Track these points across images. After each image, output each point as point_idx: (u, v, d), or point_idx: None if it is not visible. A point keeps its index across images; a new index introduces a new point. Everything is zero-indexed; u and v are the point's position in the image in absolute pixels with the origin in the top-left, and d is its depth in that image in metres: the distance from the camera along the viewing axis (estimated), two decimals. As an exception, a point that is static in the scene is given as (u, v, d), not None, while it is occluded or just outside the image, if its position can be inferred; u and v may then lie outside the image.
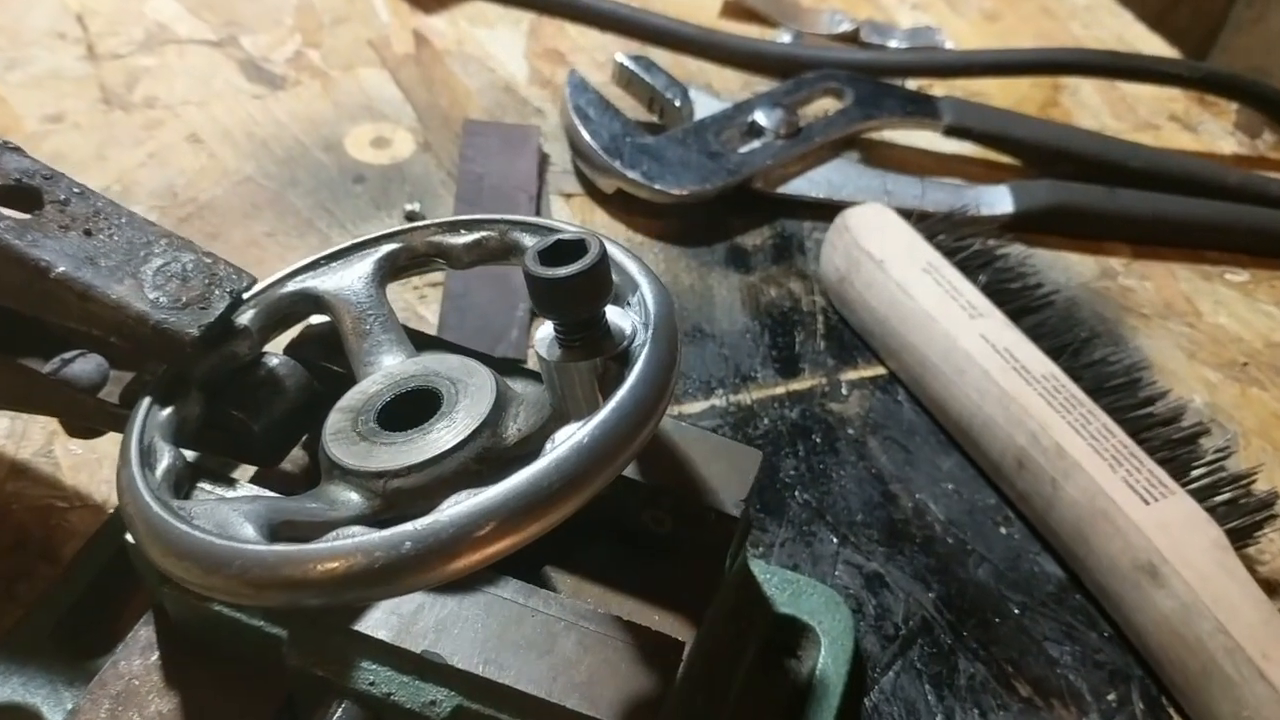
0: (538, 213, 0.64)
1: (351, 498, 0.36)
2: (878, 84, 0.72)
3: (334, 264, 0.43)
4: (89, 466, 0.49)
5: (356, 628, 0.36)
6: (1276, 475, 0.56)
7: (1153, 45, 0.89)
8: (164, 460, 0.36)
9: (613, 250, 0.37)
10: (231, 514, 0.33)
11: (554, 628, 0.36)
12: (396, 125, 0.69)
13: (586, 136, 0.65)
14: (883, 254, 0.58)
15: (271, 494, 0.37)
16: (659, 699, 0.35)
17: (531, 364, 0.55)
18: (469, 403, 0.37)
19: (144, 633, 0.39)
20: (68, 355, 0.43)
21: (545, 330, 0.36)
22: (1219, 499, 0.50)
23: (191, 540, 0.31)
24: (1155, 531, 0.47)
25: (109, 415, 0.42)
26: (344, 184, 0.65)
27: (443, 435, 0.36)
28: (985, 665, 0.48)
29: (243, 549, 0.31)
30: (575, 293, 0.33)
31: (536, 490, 0.31)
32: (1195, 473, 0.51)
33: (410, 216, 0.63)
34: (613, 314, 0.36)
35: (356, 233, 0.62)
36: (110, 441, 0.49)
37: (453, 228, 0.43)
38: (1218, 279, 0.68)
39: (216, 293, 0.38)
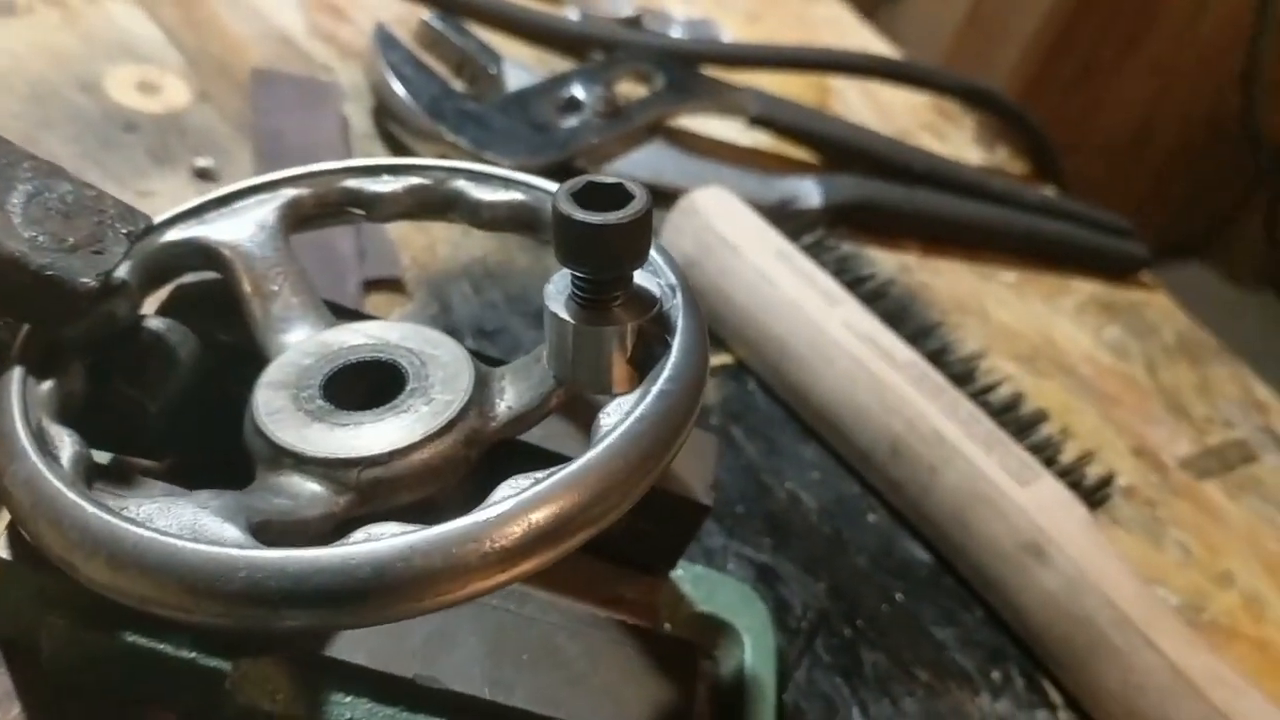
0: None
1: (313, 490, 0.29)
2: (687, 70, 0.70)
3: (223, 210, 0.35)
4: None
5: (329, 653, 0.29)
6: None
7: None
8: (67, 448, 0.27)
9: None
10: (200, 514, 0.25)
11: (556, 637, 0.31)
12: (163, 69, 0.59)
13: (405, 96, 0.58)
14: (736, 239, 0.56)
15: (189, 491, 0.29)
16: (683, 709, 0.31)
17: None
18: (444, 377, 0.31)
19: (-5, 680, 0.30)
20: None
21: (560, 286, 0.30)
22: (1066, 481, 0.52)
23: (171, 550, 0.24)
24: (1037, 512, 0.48)
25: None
26: (112, 132, 0.54)
27: (421, 415, 0.30)
28: (884, 653, 0.47)
29: (249, 557, 0.24)
30: (623, 244, 0.28)
31: (617, 467, 0.26)
32: (1047, 455, 0.53)
33: (202, 174, 0.54)
34: (638, 274, 0.31)
35: (137, 188, 0.52)
36: None
37: (373, 172, 0.36)
38: (994, 279, 0.72)
39: (110, 234, 0.30)
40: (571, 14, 0.77)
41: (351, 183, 0.36)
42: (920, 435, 0.51)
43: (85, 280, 0.29)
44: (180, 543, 0.24)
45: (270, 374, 0.31)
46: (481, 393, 0.31)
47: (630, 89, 0.69)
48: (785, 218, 0.62)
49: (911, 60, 0.90)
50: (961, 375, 0.56)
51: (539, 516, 0.25)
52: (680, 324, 0.30)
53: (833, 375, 0.53)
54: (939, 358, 0.56)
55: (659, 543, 0.37)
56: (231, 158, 0.55)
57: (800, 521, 0.51)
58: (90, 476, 0.27)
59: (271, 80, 0.59)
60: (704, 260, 0.57)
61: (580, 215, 0.28)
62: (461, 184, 0.36)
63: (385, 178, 0.36)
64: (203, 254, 0.34)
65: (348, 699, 0.29)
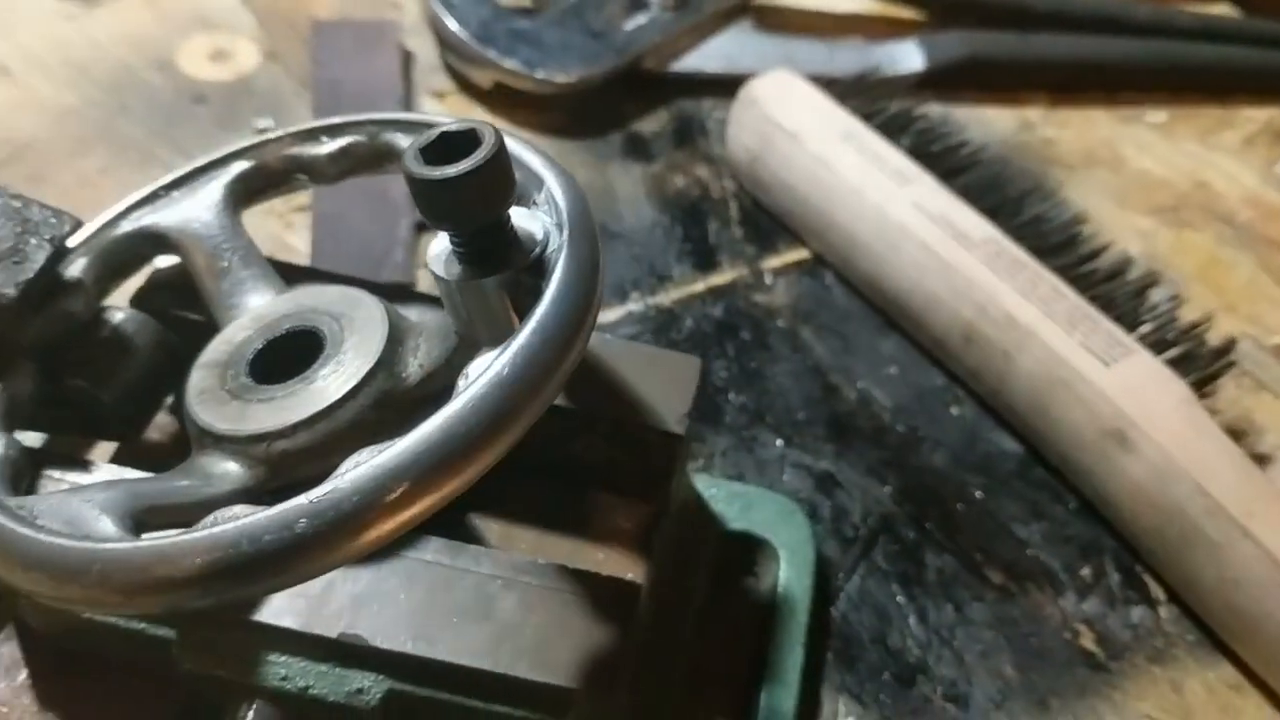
0: (409, 117, 0.57)
1: (229, 468, 0.30)
2: (766, -58, 0.66)
3: (175, 194, 0.36)
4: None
5: (257, 618, 0.30)
6: (1224, 320, 0.53)
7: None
8: (-5, 452, 0.29)
9: (509, 142, 0.31)
10: (83, 507, 0.27)
11: (489, 588, 0.31)
12: (235, 34, 0.61)
13: (453, 25, 0.58)
14: (796, 126, 0.53)
15: (133, 475, 0.31)
16: (618, 651, 0.31)
17: (424, 286, 0.50)
18: (357, 340, 0.31)
19: (4, 650, 0.33)
20: None
21: (440, 245, 0.30)
22: (1175, 352, 0.47)
23: (36, 545, 0.25)
24: (1120, 395, 0.44)
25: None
26: (182, 105, 0.57)
27: (330, 382, 0.31)
28: (953, 556, 0.45)
29: (100, 549, 0.25)
30: (472, 194, 0.27)
31: (454, 438, 0.25)
32: (1147, 327, 0.48)
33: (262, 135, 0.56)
34: (518, 217, 0.30)
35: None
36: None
37: (311, 136, 0.37)
38: (1137, 122, 0.65)
39: (33, 242, 0.32)
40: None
41: (292, 150, 0.36)
42: (992, 319, 0.47)
43: (5, 291, 0.31)
44: (48, 539, 0.25)
45: (206, 353, 0.33)
46: (394, 353, 0.31)
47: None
48: (872, 87, 0.58)
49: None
50: (1059, 244, 0.51)
51: (374, 492, 0.25)
52: (558, 268, 0.28)
53: (900, 262, 0.50)
54: (1034, 227, 0.51)
55: (640, 472, 0.36)
56: (295, 114, 0.57)
57: (869, 423, 0.48)
58: (21, 475, 0.30)
59: (331, 30, 0.61)
60: (766, 153, 0.54)
61: (422, 171, 0.27)
62: (393, 136, 0.35)
63: (323, 140, 0.36)
64: (156, 240, 0.35)
65: (282, 658, 0.30)
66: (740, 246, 0.55)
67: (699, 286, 0.53)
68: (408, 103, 0.58)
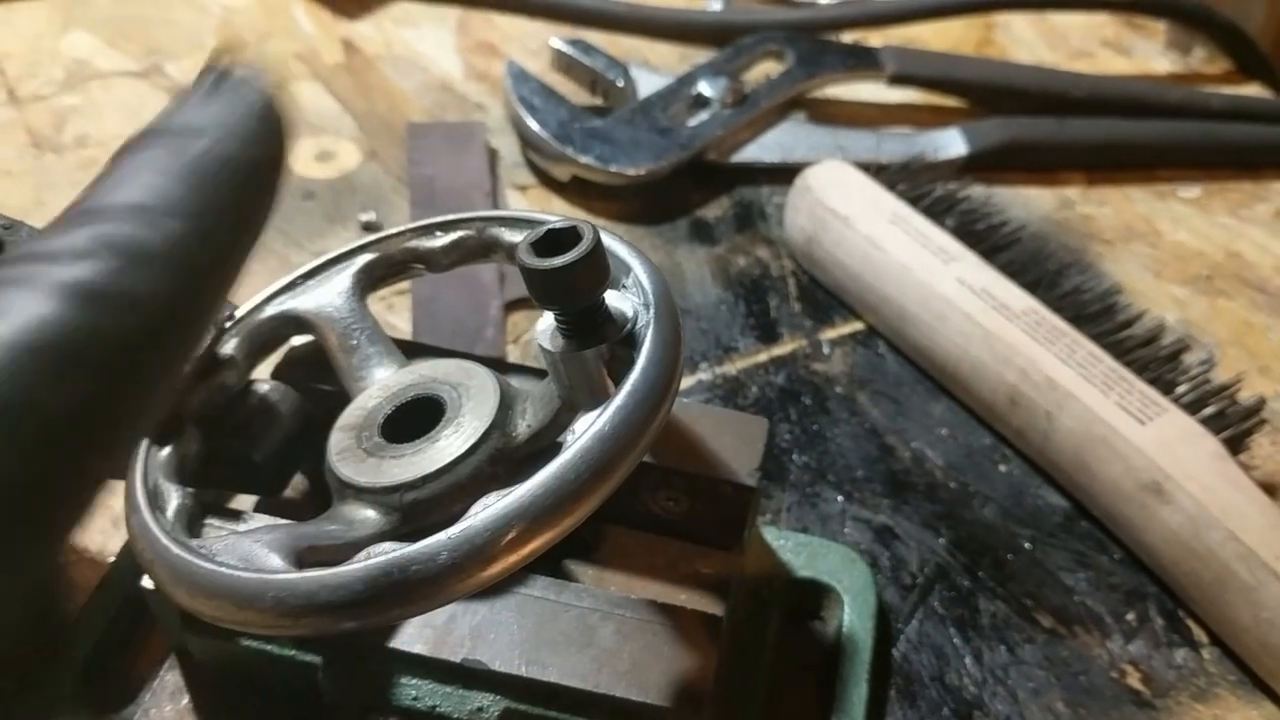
0: (495, 208, 0.63)
1: (368, 515, 0.35)
2: (817, 41, 0.72)
3: (310, 282, 0.42)
4: (77, 519, 0.48)
5: (392, 645, 0.35)
6: (1257, 381, 0.57)
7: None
8: (173, 501, 0.35)
9: (603, 236, 0.36)
10: (254, 546, 0.32)
11: (590, 620, 0.36)
12: (338, 136, 0.68)
13: (535, 126, 0.64)
14: (848, 210, 0.58)
15: (285, 522, 0.36)
16: (703, 676, 0.35)
17: (514, 359, 0.55)
18: (473, 405, 0.36)
19: (170, 678, 0.38)
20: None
21: (545, 322, 0.35)
22: (1208, 411, 0.51)
23: (220, 578, 0.30)
24: (1155, 450, 0.48)
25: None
26: (294, 201, 0.63)
27: (452, 441, 0.36)
28: (1005, 602, 0.48)
29: (275, 580, 0.30)
30: (576, 280, 0.33)
31: (565, 484, 0.30)
32: (1182, 389, 0.52)
33: (367, 227, 0.62)
34: (611, 298, 0.35)
35: (313, 249, 0.61)
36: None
37: (428, 231, 0.42)
38: (1171, 197, 0.69)
39: (198, 325, 0.37)
40: (714, 3, 0.80)
41: (411, 243, 0.42)
42: (1034, 383, 0.51)
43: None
44: (229, 572, 0.30)
45: (343, 417, 0.38)
46: (505, 416, 0.36)
47: (770, 68, 0.72)
48: (918, 173, 0.63)
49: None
50: (1096, 313, 0.55)
51: (500, 529, 0.29)
52: (646, 340, 0.33)
53: (947, 332, 0.54)
54: (1072, 298, 0.56)
55: (717, 522, 0.41)
56: (394, 207, 0.63)
57: (923, 480, 0.53)
58: (193, 522, 0.35)
59: (424, 131, 0.67)
60: (820, 234, 0.59)
61: (534, 263, 0.32)
62: (497, 230, 0.41)
63: (437, 234, 0.42)
64: (296, 323, 0.41)
65: (413, 681, 0.35)
66: (799, 320, 0.60)
67: (762, 357, 0.58)
68: (495, 196, 0.64)
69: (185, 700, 0.38)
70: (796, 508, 0.51)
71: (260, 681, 0.37)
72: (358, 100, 0.71)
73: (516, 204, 0.64)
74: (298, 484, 0.42)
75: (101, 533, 0.47)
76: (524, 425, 0.36)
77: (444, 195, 0.63)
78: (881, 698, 0.45)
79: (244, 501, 0.42)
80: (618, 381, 0.33)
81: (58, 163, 0.65)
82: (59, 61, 0.72)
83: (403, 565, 0.29)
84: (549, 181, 0.66)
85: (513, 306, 0.58)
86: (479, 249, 0.41)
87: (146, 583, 0.36)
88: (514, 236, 0.41)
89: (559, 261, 0.32)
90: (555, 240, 0.33)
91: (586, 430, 0.31)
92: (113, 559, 0.45)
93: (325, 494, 0.37)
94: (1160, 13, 0.80)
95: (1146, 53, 0.81)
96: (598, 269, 0.33)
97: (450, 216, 0.42)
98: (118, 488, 0.43)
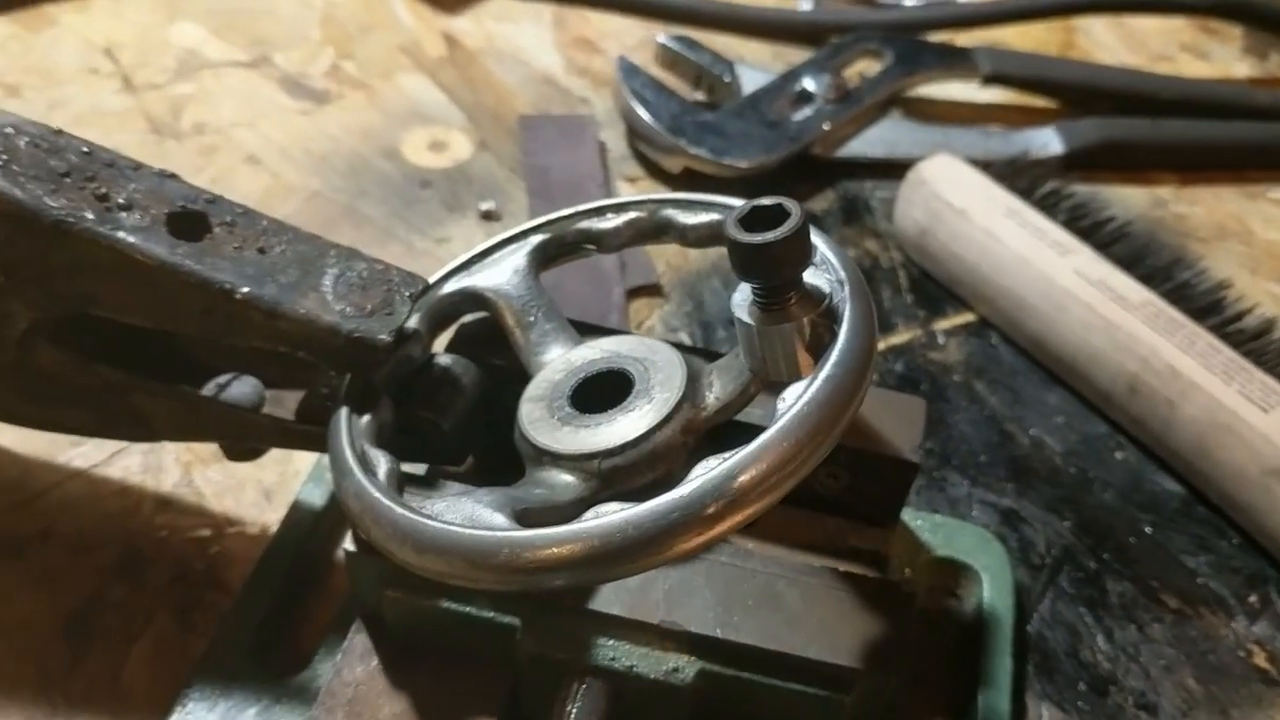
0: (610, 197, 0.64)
1: (568, 480, 0.36)
2: (913, 41, 0.73)
3: (486, 260, 0.43)
4: (232, 492, 0.49)
5: (591, 607, 0.36)
6: (1361, 375, 0.58)
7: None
8: (382, 465, 0.36)
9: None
10: (477, 507, 0.33)
11: (776, 585, 0.37)
12: (449, 127, 0.69)
13: (648, 118, 0.65)
14: (964, 204, 0.60)
15: (484, 489, 0.38)
16: (892, 639, 0.36)
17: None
18: (662, 378, 0.38)
19: (359, 640, 0.40)
20: (222, 380, 0.44)
21: (743, 295, 0.36)
22: (1324, 402, 0.52)
23: (452, 535, 0.32)
24: (1280, 437, 0.49)
25: (283, 433, 0.42)
26: (411, 189, 0.65)
27: (645, 412, 0.37)
28: (1131, 583, 0.50)
29: (510, 536, 0.31)
30: (784, 255, 0.34)
31: (786, 447, 0.31)
32: (1298, 379, 0.53)
33: (487, 215, 0.63)
34: (807, 274, 0.36)
35: (435, 236, 0.62)
36: (250, 467, 0.49)
37: (599, 213, 0.43)
38: (1262, 198, 0.70)
39: (396, 298, 0.39)
40: (804, 3, 0.82)
41: (584, 224, 0.43)
42: (1156, 371, 0.52)
43: (383, 336, 0.38)
44: (462, 530, 0.32)
45: (530, 390, 0.39)
46: (693, 388, 0.38)
47: (866, 66, 0.73)
48: (1023, 170, 0.64)
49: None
50: (1208, 307, 0.57)
51: (725, 488, 0.31)
52: (846, 314, 0.35)
53: (1067, 323, 0.55)
54: (1183, 291, 0.57)
55: (877, 498, 0.42)
56: (510, 197, 0.65)
57: (1044, 465, 0.54)
58: (401, 485, 0.36)
59: (535, 123, 0.68)
60: (935, 227, 0.61)
61: (744, 237, 0.34)
62: (670, 212, 0.42)
63: (609, 215, 0.43)
64: (473, 299, 0.42)
65: (610, 642, 0.36)
66: (912, 310, 0.61)
67: (880, 346, 0.59)
68: (607, 187, 0.65)
69: (375, 662, 0.39)
70: (925, 491, 0.52)
71: (448, 643, 0.39)
72: (464, 92, 0.72)
73: (625, 193, 0.66)
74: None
75: (255, 505, 0.49)
76: (712, 397, 0.38)
77: (559, 185, 0.64)
78: (1022, 672, 0.46)
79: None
80: (819, 353, 0.35)
81: (178, 148, 0.66)
82: (170, 51, 0.73)
83: (637, 523, 0.31)
84: (658, 173, 0.67)
85: (634, 293, 0.60)
86: (651, 230, 0.43)
87: (348, 545, 0.38)
88: (686, 218, 0.42)
89: (771, 236, 0.33)
90: (761, 216, 0.34)
91: (800, 397, 0.32)
92: (274, 529, 0.47)
93: (494, 464, 0.39)
94: (1237, 16, 0.81)
95: (1224, 57, 0.83)
96: (804, 245, 0.34)
97: (623, 199, 0.43)
98: (263, 459, 0.45)
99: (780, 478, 0.32)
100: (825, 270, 0.37)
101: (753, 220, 0.34)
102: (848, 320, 0.34)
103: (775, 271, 0.35)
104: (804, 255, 0.35)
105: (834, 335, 0.34)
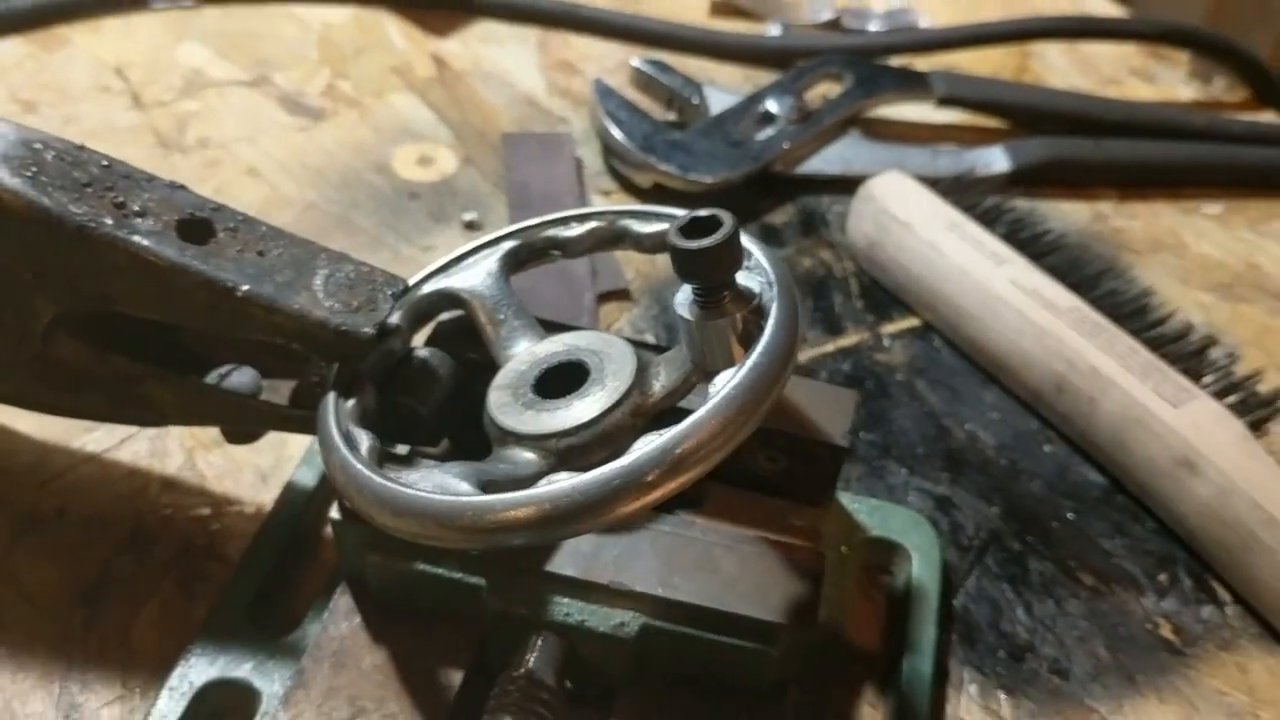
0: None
1: (529, 458, 0.41)
2: (873, 65, 0.78)
3: (462, 264, 0.48)
4: (231, 474, 0.54)
5: (548, 569, 0.41)
6: (1274, 376, 0.63)
7: (1102, 8, 0.96)
8: (364, 443, 0.41)
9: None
10: (446, 476, 0.38)
11: (714, 552, 0.42)
12: (436, 144, 0.74)
13: (621, 137, 0.70)
14: (908, 217, 0.65)
15: (454, 464, 0.42)
16: (810, 599, 0.41)
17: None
18: (615, 368, 0.43)
19: (343, 601, 0.44)
20: (223, 370, 0.48)
21: (684, 295, 0.41)
22: (1232, 399, 0.57)
23: (424, 500, 0.37)
24: (1187, 430, 0.54)
25: (278, 417, 0.47)
26: (400, 201, 0.70)
27: (598, 397, 0.42)
28: (1051, 563, 0.54)
29: (471, 501, 0.36)
30: (717, 259, 0.39)
31: (716, 421, 0.36)
32: (1208, 379, 0.58)
33: (470, 226, 0.68)
34: (740, 276, 0.41)
35: (422, 244, 0.67)
36: (248, 451, 0.54)
37: (564, 222, 0.48)
38: (1196, 213, 0.75)
39: (380, 296, 0.44)
40: (773, 29, 0.87)
41: (550, 232, 0.48)
42: (1080, 372, 0.57)
43: (366, 330, 0.42)
44: (432, 495, 0.37)
45: (499, 379, 0.44)
46: (642, 377, 0.42)
47: (828, 89, 0.78)
48: (968, 186, 0.69)
49: (1103, 16, 0.92)
50: (1132, 313, 0.61)
51: (662, 459, 0.36)
52: (773, 311, 0.40)
53: (1000, 328, 0.60)
54: (1110, 299, 0.62)
55: (812, 479, 0.47)
56: (492, 209, 0.70)
57: (977, 457, 0.59)
58: (381, 459, 0.41)
59: (517, 140, 0.73)
60: (883, 239, 0.66)
61: (682, 244, 0.39)
62: (627, 222, 0.47)
63: (574, 224, 0.48)
64: (450, 299, 0.47)
65: (565, 600, 0.41)
66: (861, 315, 0.66)
67: (830, 347, 0.64)
68: (582, 200, 0.70)
69: (358, 619, 0.44)
70: (865, 479, 0.57)
71: (422, 603, 0.43)
72: (451, 111, 0.77)
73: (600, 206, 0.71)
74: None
75: (252, 487, 0.54)
76: (658, 385, 0.42)
77: (538, 198, 0.69)
78: (946, 641, 0.51)
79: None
80: (748, 345, 0.39)
81: (184, 161, 0.71)
82: (176, 70, 0.78)
83: (584, 489, 0.35)
84: (630, 188, 0.72)
85: (604, 297, 0.65)
86: (610, 238, 0.48)
87: (334, 514, 0.42)
88: (641, 227, 0.47)
89: (707, 243, 0.38)
90: (699, 226, 0.39)
91: (729, 382, 0.37)
92: (269, 508, 0.52)
93: (465, 446, 0.44)
94: (1183, 43, 0.86)
95: (1171, 81, 0.88)
96: (735, 250, 0.39)
97: (584, 210, 0.48)
98: (259, 445, 0.50)
99: (709, 450, 0.36)
100: (758, 273, 0.42)
101: (692, 229, 0.39)
102: (774, 316, 0.39)
103: (710, 273, 0.39)
104: (735, 259, 0.39)
105: (761, 329, 0.39)
